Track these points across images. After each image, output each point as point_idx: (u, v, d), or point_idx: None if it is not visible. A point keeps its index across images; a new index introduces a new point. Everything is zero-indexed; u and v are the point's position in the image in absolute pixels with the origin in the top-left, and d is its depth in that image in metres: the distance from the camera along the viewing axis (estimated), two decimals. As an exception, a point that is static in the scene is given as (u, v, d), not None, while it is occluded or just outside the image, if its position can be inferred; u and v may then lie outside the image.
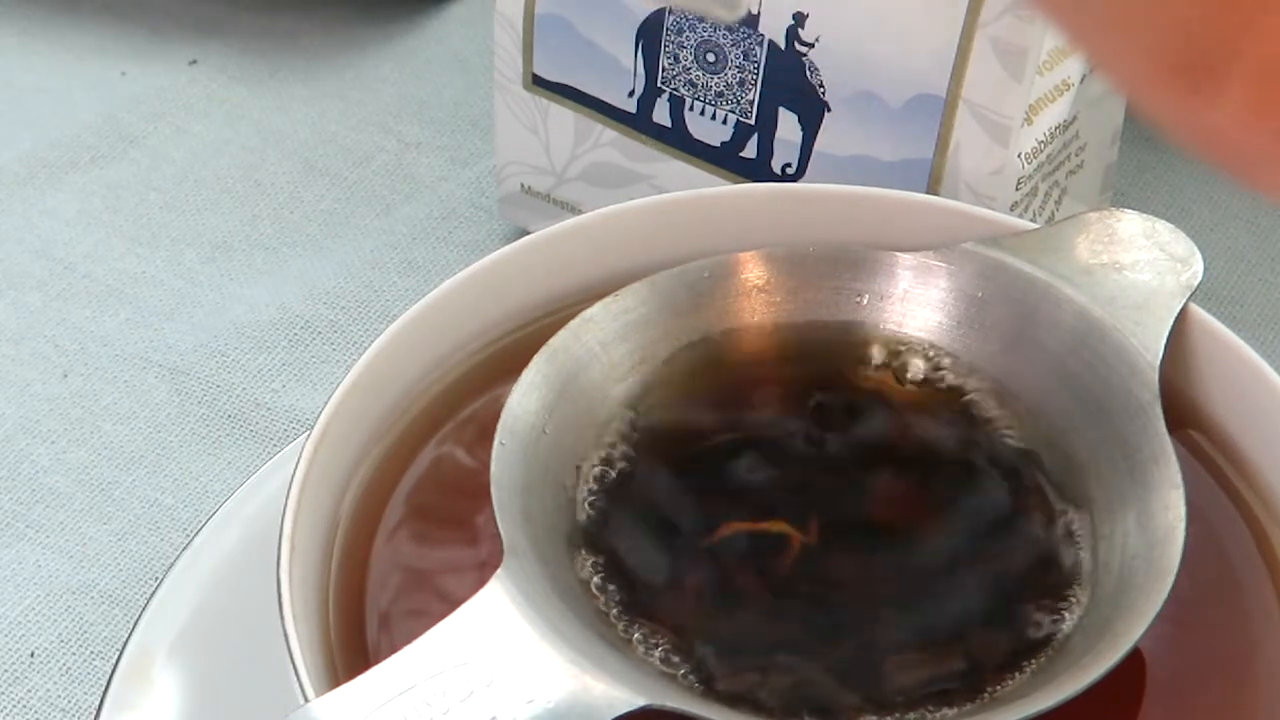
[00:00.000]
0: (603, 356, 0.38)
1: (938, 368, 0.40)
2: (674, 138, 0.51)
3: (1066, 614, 0.35)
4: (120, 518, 0.49)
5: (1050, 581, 0.36)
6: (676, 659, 0.34)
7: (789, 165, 0.49)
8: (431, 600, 0.37)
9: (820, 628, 0.35)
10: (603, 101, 0.51)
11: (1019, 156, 0.47)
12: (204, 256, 0.57)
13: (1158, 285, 0.39)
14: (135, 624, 0.42)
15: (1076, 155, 0.51)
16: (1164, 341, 0.38)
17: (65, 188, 0.59)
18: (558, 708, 0.31)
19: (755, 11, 0.48)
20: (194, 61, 0.63)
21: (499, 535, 0.34)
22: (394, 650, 0.32)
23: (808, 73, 0.48)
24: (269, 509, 0.41)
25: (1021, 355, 0.39)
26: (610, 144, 0.52)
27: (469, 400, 0.40)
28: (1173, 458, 0.36)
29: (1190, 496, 0.35)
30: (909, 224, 0.41)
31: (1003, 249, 0.39)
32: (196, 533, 0.43)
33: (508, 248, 0.41)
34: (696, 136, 0.50)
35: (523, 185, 0.54)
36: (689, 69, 0.49)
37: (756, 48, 0.48)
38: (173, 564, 0.43)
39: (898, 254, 0.40)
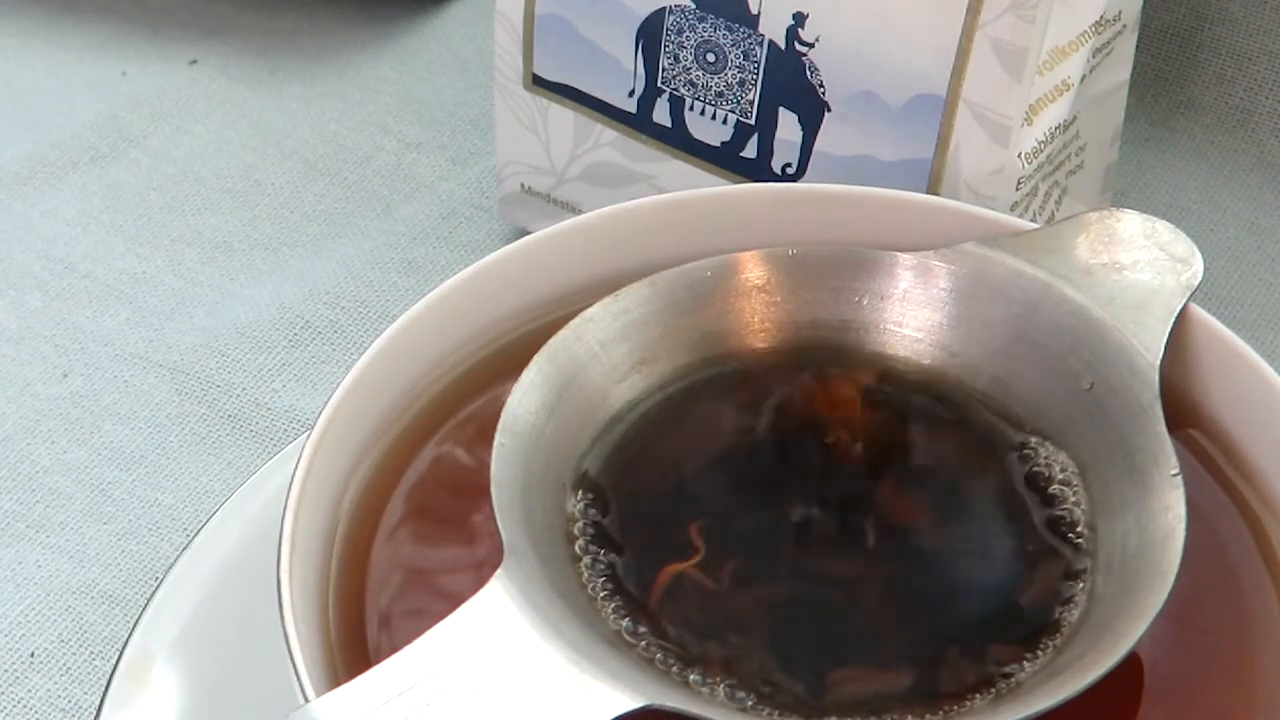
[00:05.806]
0: (603, 356, 0.38)
1: (938, 372, 0.40)
2: (674, 138, 0.51)
3: (1066, 614, 0.35)
4: (120, 518, 0.49)
5: (1049, 583, 0.36)
6: (676, 660, 0.34)
7: (789, 165, 0.49)
8: (431, 600, 0.37)
9: (821, 628, 0.35)
10: (603, 101, 0.51)
11: (1019, 156, 0.47)
12: (204, 256, 0.57)
13: (1158, 285, 0.39)
14: (135, 624, 0.42)
15: (1076, 155, 0.51)
16: (1164, 341, 0.38)
17: (65, 188, 0.59)
18: (558, 708, 0.31)
19: (755, 11, 0.48)
20: (194, 61, 0.63)
21: (499, 535, 0.34)
22: (394, 650, 0.32)
23: (808, 73, 0.48)
24: (269, 509, 0.41)
25: (1021, 355, 0.39)
26: (610, 144, 0.52)
27: (469, 400, 0.40)
28: (1173, 458, 0.36)
29: (1190, 496, 0.35)
30: (909, 224, 0.41)
31: (1003, 249, 0.39)
32: (196, 533, 0.43)
33: (508, 248, 0.41)
34: (696, 136, 0.50)
35: (523, 185, 0.54)
36: (689, 69, 0.49)
37: (756, 48, 0.48)
38: (173, 564, 0.43)
39: (898, 254, 0.40)
